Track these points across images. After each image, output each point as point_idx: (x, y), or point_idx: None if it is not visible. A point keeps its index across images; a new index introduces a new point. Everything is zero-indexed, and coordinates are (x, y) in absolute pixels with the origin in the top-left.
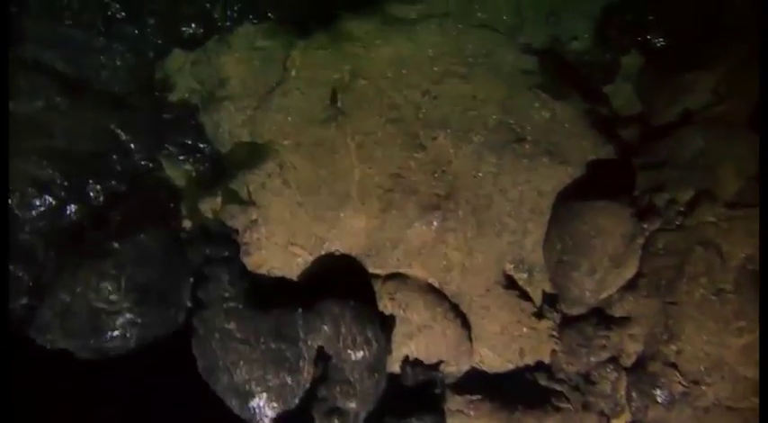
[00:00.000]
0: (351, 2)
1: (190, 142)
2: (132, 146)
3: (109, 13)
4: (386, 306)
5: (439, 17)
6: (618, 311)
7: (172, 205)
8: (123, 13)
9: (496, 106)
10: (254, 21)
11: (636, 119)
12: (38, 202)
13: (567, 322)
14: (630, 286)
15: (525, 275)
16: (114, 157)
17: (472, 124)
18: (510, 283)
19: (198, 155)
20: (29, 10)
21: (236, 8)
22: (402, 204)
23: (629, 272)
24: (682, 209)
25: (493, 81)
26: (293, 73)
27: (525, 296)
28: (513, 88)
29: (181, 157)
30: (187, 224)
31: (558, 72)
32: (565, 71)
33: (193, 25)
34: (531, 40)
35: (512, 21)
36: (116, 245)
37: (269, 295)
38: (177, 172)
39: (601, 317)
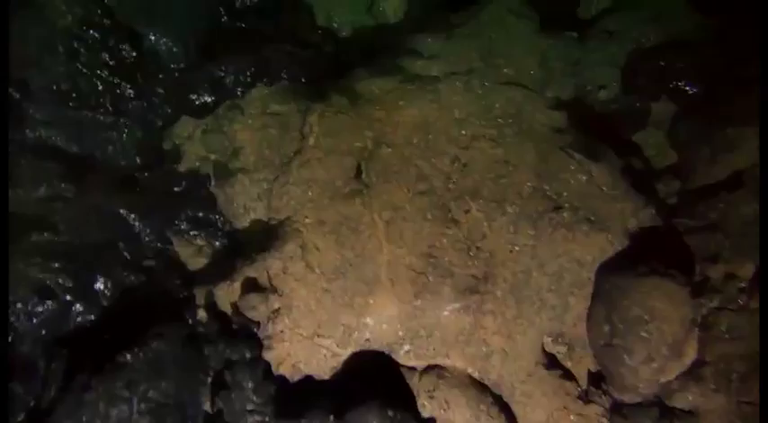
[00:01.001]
0: (367, 57)
1: (201, 215)
2: (141, 228)
3: (117, 91)
4: (425, 406)
5: (463, 74)
6: (680, 403)
7: (185, 294)
8: (132, 91)
9: (530, 171)
10: (267, 82)
11: (672, 172)
12: (40, 309)
13: (618, 408)
14: (694, 375)
15: (566, 352)
16: (122, 244)
17: (506, 193)
18: (552, 364)
19: (210, 228)
20: (31, 95)
21: (248, 72)
22: (436, 288)
23: (690, 357)
24: (743, 285)
25: (524, 143)
26: (312, 141)
27: (569, 376)
28: (545, 150)
29: (192, 232)
30: (203, 316)
31: (588, 126)
32: (595, 123)
33: (204, 93)
34: (559, 93)
35: (538, 74)
36: (128, 357)
37: (296, 397)
38: (189, 249)
39: (660, 408)
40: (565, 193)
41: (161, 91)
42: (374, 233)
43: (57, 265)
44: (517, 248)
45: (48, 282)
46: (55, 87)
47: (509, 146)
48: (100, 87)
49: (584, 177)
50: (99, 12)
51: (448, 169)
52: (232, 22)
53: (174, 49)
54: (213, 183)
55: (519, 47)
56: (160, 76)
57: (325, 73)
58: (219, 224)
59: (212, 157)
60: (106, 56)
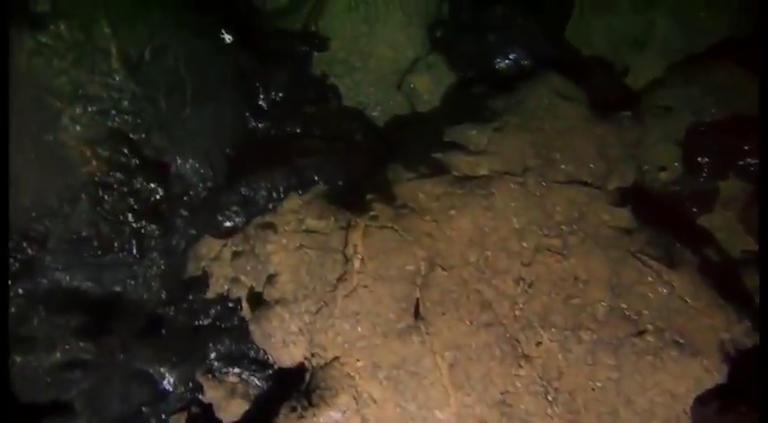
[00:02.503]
0: (403, 146)
1: (234, 348)
2: (168, 383)
3: (142, 232)
4: None
5: (518, 174)
6: None
7: None
8: (157, 230)
9: (603, 287)
10: (301, 192)
11: (753, 263)
12: None
13: None
14: None
15: None
16: (147, 409)
17: (579, 317)
18: None
19: (245, 363)
20: (48, 246)
21: (280, 187)
22: None
23: None
24: None
25: (592, 252)
26: (356, 265)
27: None
28: (616, 258)
29: (224, 370)
30: None
31: (654, 216)
32: (659, 210)
33: (233, 214)
34: (621, 182)
35: (598, 165)
36: None
37: None
38: (221, 391)
39: None
40: (645, 312)
41: (186, 213)
42: (437, 379)
43: None
44: (599, 384)
45: None
46: (75, 236)
47: (576, 257)
48: (124, 232)
49: (665, 290)
50: (126, 151)
51: (512, 292)
52: (258, 122)
53: (201, 171)
54: (245, 311)
55: (575, 137)
56: (185, 198)
57: (361, 170)
58: (255, 358)
59: (243, 278)
60: (131, 200)
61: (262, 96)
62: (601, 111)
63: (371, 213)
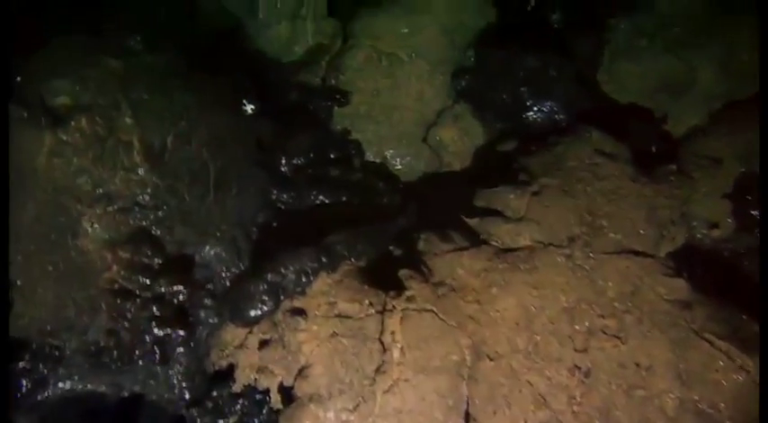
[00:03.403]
0: (434, 209)
1: None
2: None
3: (166, 340)
4: None
5: (562, 245)
6: None
7: None
8: (182, 334)
9: (668, 375)
10: (330, 271)
11: None
12: None
13: None
14: None
15: None
16: None
17: (646, 411)
18: None
19: None
20: (64, 358)
21: (309, 268)
22: None
23: None
24: None
25: (651, 334)
26: (396, 354)
27: None
28: (679, 340)
29: None
30: None
31: (714, 287)
32: (713, 273)
33: (260, 301)
34: (672, 246)
35: (648, 232)
36: None
37: None
38: None
39: None
40: (721, 403)
41: (210, 302)
42: None
43: None
44: None
45: None
46: (93, 348)
47: (635, 340)
48: (146, 341)
49: (740, 377)
50: (148, 251)
51: (568, 383)
52: (282, 193)
53: (225, 257)
54: (274, 403)
55: (622, 200)
56: (208, 286)
57: (391, 240)
58: None
59: (271, 368)
60: (154, 307)
61: (284, 163)
62: (645, 167)
63: (408, 293)
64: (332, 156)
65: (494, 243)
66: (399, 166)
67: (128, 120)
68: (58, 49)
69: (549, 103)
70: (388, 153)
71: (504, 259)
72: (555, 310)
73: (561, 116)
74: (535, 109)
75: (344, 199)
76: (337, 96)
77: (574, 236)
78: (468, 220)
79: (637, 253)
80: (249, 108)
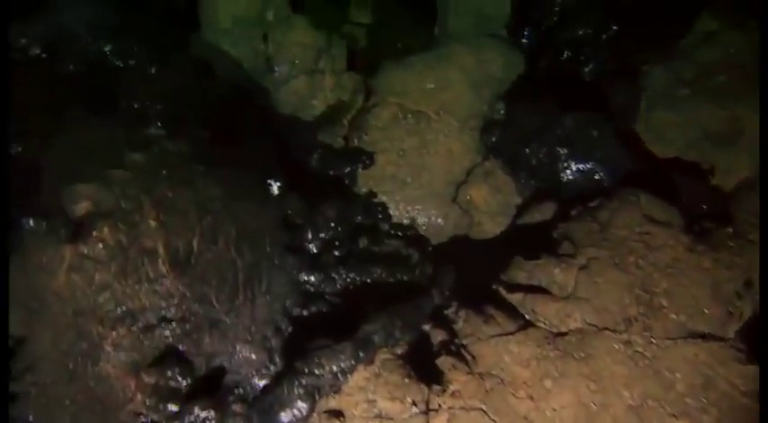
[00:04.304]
0: (480, 298)
1: None
2: None
3: None
4: None
5: (618, 329)
6: None
7: None
8: None
9: None
10: (367, 363)
11: None
12: None
13: None
14: None
15: None
16: None
17: None
18: None
19: None
20: None
21: (343, 363)
22: None
23: None
24: None
25: None
26: None
27: None
28: None
29: None
30: None
31: None
32: None
33: (293, 404)
34: (740, 323)
35: (713, 310)
36: None
37: None
38: None
39: None
40: None
41: (240, 410)
42: None
43: None
44: None
45: None
46: None
47: None
48: None
49: None
50: (175, 372)
51: None
52: (311, 276)
53: (256, 360)
54: None
55: (681, 275)
56: (238, 390)
57: (429, 320)
58: None
59: None
60: None
61: (311, 240)
62: (700, 233)
63: (452, 388)
64: (359, 223)
65: (541, 325)
66: (429, 229)
67: (152, 223)
68: (77, 146)
69: (588, 164)
70: (417, 215)
71: (555, 345)
72: (619, 407)
73: (602, 176)
74: (573, 169)
75: (375, 274)
76: (362, 158)
77: (630, 317)
78: (509, 295)
79: (704, 336)
80: (276, 187)
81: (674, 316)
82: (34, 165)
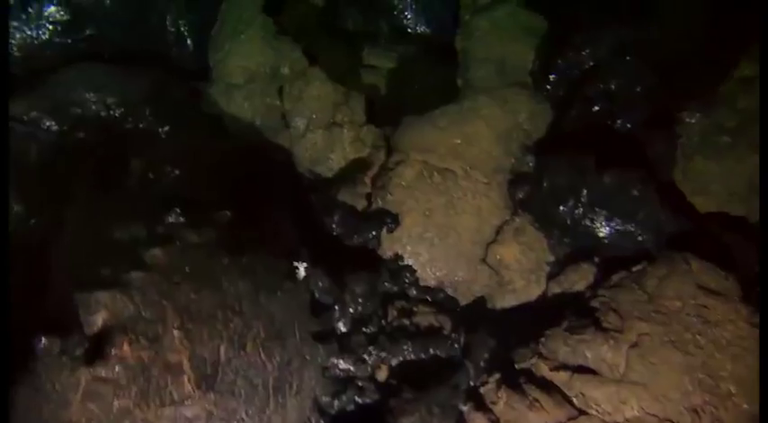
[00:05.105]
0: (516, 377)
1: None
2: None
3: None
4: None
5: (683, 421)
6: None
7: None
8: None
9: None
10: None
11: None
12: None
13: None
14: None
15: None
16: None
17: None
18: None
19: None
20: None
21: None
22: None
23: None
24: None
25: None
26: None
27: None
28: None
29: None
30: None
31: None
32: None
33: None
34: None
35: None
36: None
37: None
38: None
39: None
40: None
41: None
42: None
43: None
44: None
45: None
46: None
47: None
48: None
49: None
50: None
51: None
52: (342, 361)
53: None
54: None
55: (747, 355)
56: None
57: (466, 398)
58: None
59: None
60: None
61: (340, 320)
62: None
63: None
64: (386, 292)
65: (594, 412)
66: (458, 293)
67: (176, 333)
68: (90, 237)
69: (629, 225)
70: (445, 278)
71: None
72: None
73: (644, 237)
74: (611, 228)
75: (407, 351)
76: (387, 220)
77: (696, 407)
78: (552, 373)
79: None
80: (302, 267)
81: (745, 406)
82: (43, 259)
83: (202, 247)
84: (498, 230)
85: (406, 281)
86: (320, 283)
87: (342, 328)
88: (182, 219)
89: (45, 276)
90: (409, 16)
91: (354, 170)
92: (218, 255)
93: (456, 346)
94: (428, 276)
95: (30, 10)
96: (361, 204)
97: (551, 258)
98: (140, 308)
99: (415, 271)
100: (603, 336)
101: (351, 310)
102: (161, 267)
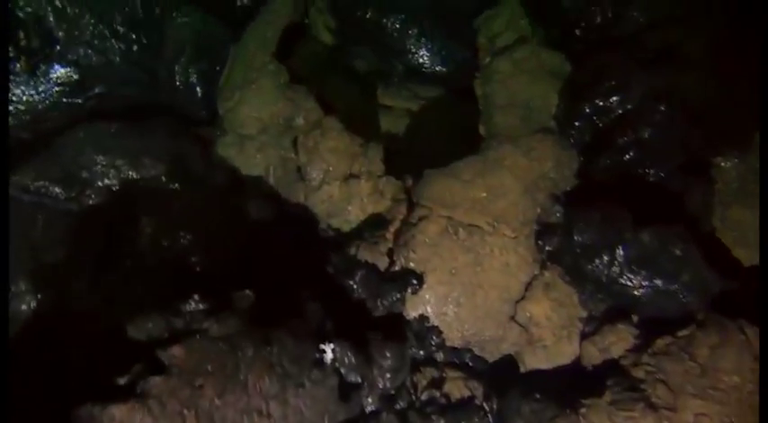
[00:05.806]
0: None
1: None
2: None
3: None
4: None
5: None
6: None
7: None
8: None
9: None
10: None
11: None
12: None
13: None
14: None
15: None
16: None
17: None
18: None
19: None
20: None
21: None
22: None
23: None
24: None
25: None
26: None
27: None
28: None
29: None
30: None
31: None
32: None
33: None
34: None
35: None
36: None
37: None
38: None
39: None
40: None
41: None
42: None
43: None
44: None
45: None
46: None
47: None
48: None
49: None
50: None
51: None
52: None
53: None
54: None
55: None
56: None
57: None
58: None
59: None
60: None
61: (368, 398)
62: None
63: None
64: (413, 359)
65: None
66: (486, 351)
67: None
68: (104, 347)
69: (672, 286)
70: (473, 337)
71: None
72: None
73: (689, 298)
74: (650, 287)
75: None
76: (411, 280)
77: None
78: None
79: None
80: (329, 350)
81: None
82: (49, 355)
83: (224, 340)
84: (527, 287)
85: (433, 343)
86: (347, 361)
87: (371, 406)
88: (201, 306)
89: (51, 376)
90: (424, 55)
91: (374, 225)
92: (242, 347)
93: (489, 416)
94: (455, 337)
95: (37, 72)
96: (383, 263)
97: (583, 314)
98: (159, 421)
99: (441, 332)
100: (655, 415)
101: (380, 385)
102: (180, 369)
